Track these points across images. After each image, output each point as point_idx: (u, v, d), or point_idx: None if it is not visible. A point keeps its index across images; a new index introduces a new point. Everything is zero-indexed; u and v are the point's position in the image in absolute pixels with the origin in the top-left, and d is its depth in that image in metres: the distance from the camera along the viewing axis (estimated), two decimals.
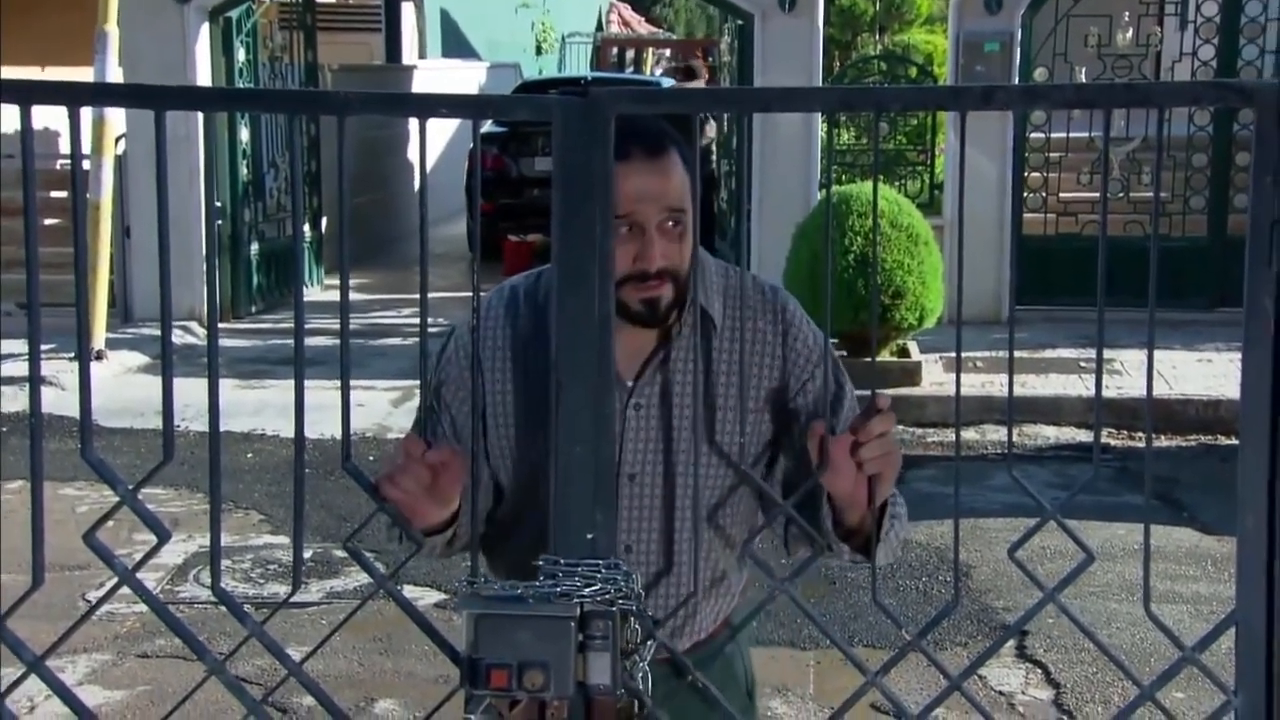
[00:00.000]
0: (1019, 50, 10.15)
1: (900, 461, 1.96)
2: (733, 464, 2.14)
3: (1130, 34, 10.29)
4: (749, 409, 2.16)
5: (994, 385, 8.34)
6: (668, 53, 27.01)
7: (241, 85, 10.77)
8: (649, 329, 2.13)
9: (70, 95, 1.60)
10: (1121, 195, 10.17)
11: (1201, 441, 7.81)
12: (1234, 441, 1.64)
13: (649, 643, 1.76)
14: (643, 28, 29.54)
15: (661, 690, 1.87)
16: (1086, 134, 10.32)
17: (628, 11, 29.55)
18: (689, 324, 2.13)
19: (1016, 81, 10.05)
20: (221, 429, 1.69)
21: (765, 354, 2.17)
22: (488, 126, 12.91)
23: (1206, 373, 8.62)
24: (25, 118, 1.57)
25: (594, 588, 1.63)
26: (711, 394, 2.16)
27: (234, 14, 10.78)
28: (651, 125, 2.08)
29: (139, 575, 1.68)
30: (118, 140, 9.79)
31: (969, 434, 7.75)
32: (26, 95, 1.56)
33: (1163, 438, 7.78)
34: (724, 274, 2.22)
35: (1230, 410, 7.66)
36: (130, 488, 1.64)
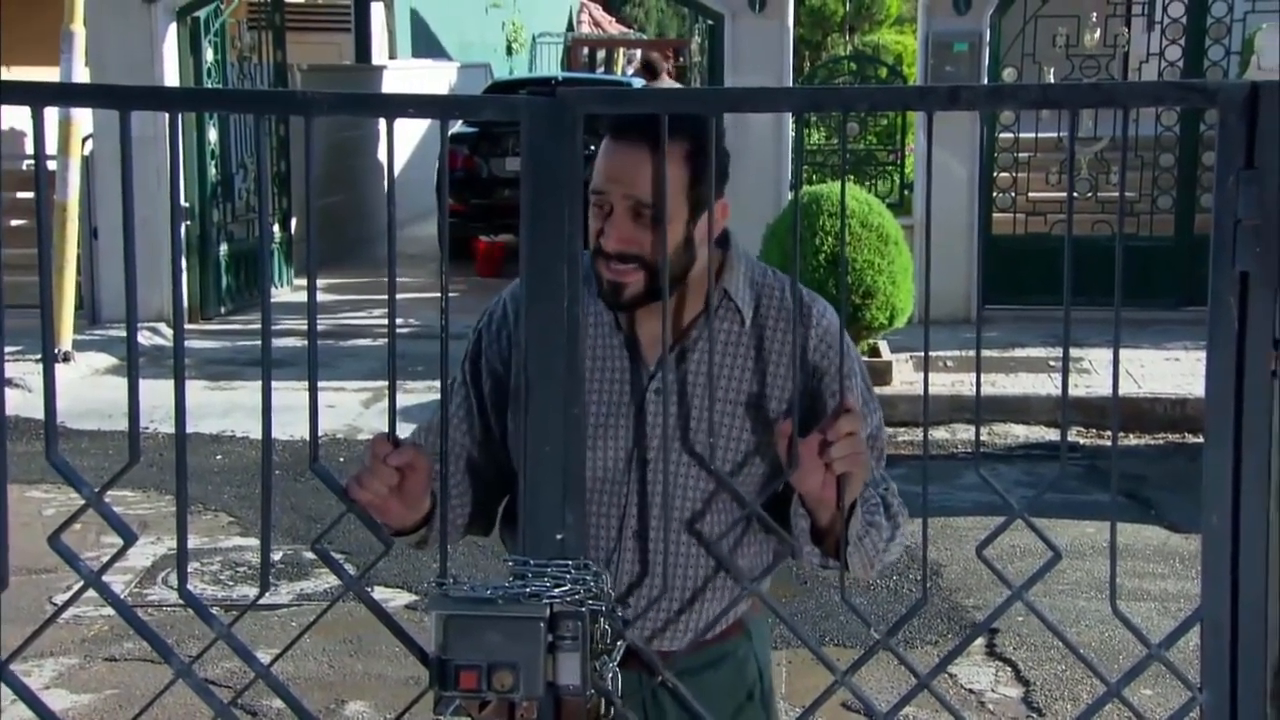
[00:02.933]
0: (988, 50, 10.19)
1: (869, 461, 1.96)
2: (706, 466, 2.13)
3: (1098, 34, 10.34)
4: (769, 409, 2.14)
5: (964, 384, 8.37)
6: (638, 53, 27.00)
7: (210, 85, 10.72)
8: (619, 311, 2.13)
9: (34, 95, 1.59)
10: (1090, 195, 10.22)
11: (1169, 440, 7.86)
12: (1201, 439, 1.65)
13: (619, 643, 1.76)
14: (613, 28, 29.53)
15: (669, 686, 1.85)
16: (1055, 134, 10.37)
17: (598, 12, 29.54)
18: (717, 315, 2.13)
19: (985, 81, 10.09)
20: (190, 431, 1.69)
21: (794, 354, 2.14)
22: (458, 127, 12.87)
23: (1174, 371, 8.67)
24: None
25: (563, 588, 1.63)
26: (729, 387, 2.14)
27: (202, 14, 10.72)
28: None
29: (106, 578, 1.67)
30: (85, 141, 9.73)
31: (939, 433, 7.77)
32: None
33: (1131, 436, 7.82)
34: (761, 274, 2.21)
35: (1198, 408, 7.70)
36: (96, 490, 1.64)
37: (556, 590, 1.62)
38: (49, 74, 10.17)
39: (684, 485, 2.14)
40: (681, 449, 2.13)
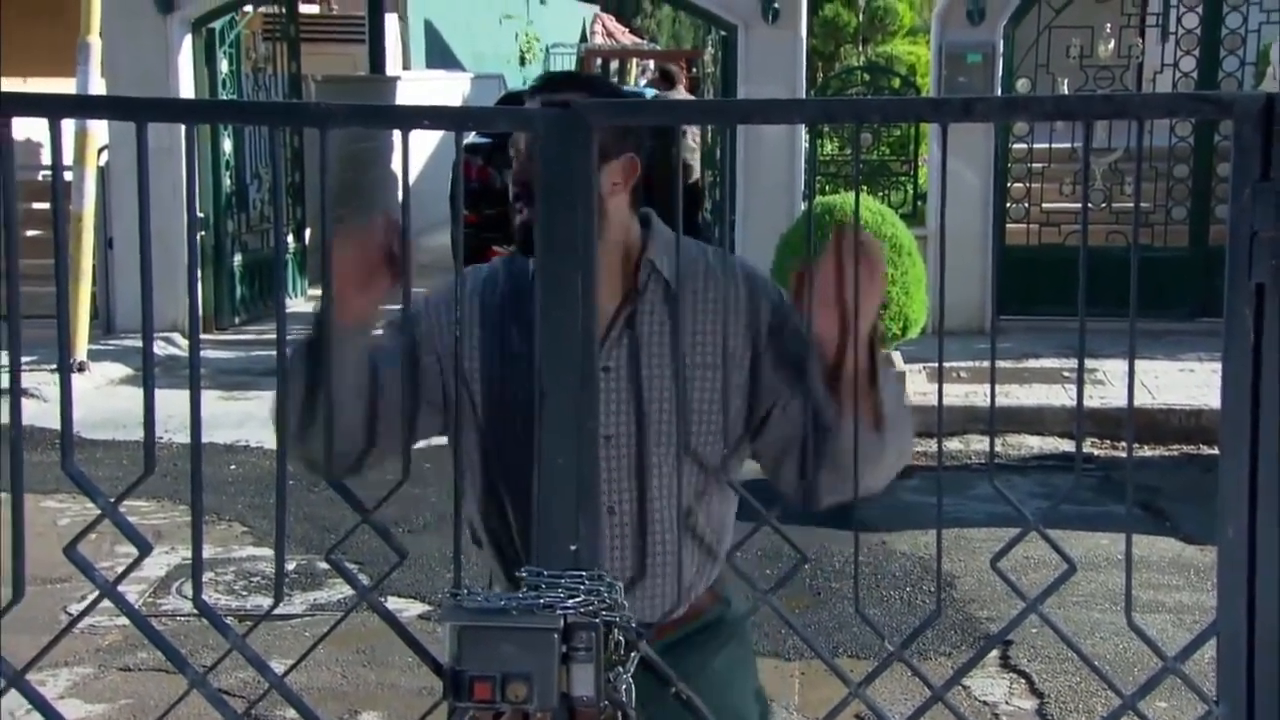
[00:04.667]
0: (1001, 61, 10.18)
1: (884, 267, 1.98)
2: (699, 464, 2.14)
3: (1112, 45, 10.33)
4: (711, 365, 2.19)
5: (977, 395, 8.35)
6: (651, 64, 27.03)
7: (224, 96, 10.76)
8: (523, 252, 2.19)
9: (50, 107, 1.59)
10: (1104, 205, 10.21)
11: (1184, 451, 7.83)
12: (1216, 451, 1.65)
13: (633, 654, 1.75)
14: (626, 39, 29.57)
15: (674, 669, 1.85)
16: (1069, 145, 10.35)
17: (611, 23, 29.57)
18: (648, 288, 2.21)
19: (999, 92, 10.08)
20: (204, 441, 1.69)
21: (732, 312, 2.20)
22: (471, 137, 12.90)
23: (1188, 382, 8.65)
24: (5, 130, 1.57)
25: (577, 599, 1.63)
26: (681, 356, 2.17)
27: (217, 25, 10.76)
28: (560, 74, 2.20)
29: (120, 588, 1.67)
30: (100, 151, 9.77)
31: (953, 444, 7.75)
32: (6, 108, 1.56)
33: (1145, 447, 7.79)
34: (672, 241, 2.23)
35: (1212, 420, 7.67)
36: (111, 500, 1.64)
37: (570, 601, 1.62)
38: (65, 85, 10.21)
39: (653, 461, 2.19)
40: (642, 428, 2.19)
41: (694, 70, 22.06)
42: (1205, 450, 7.71)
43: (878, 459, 2.08)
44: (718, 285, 2.21)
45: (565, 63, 26.27)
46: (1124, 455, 7.77)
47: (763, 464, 2.26)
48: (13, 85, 11.97)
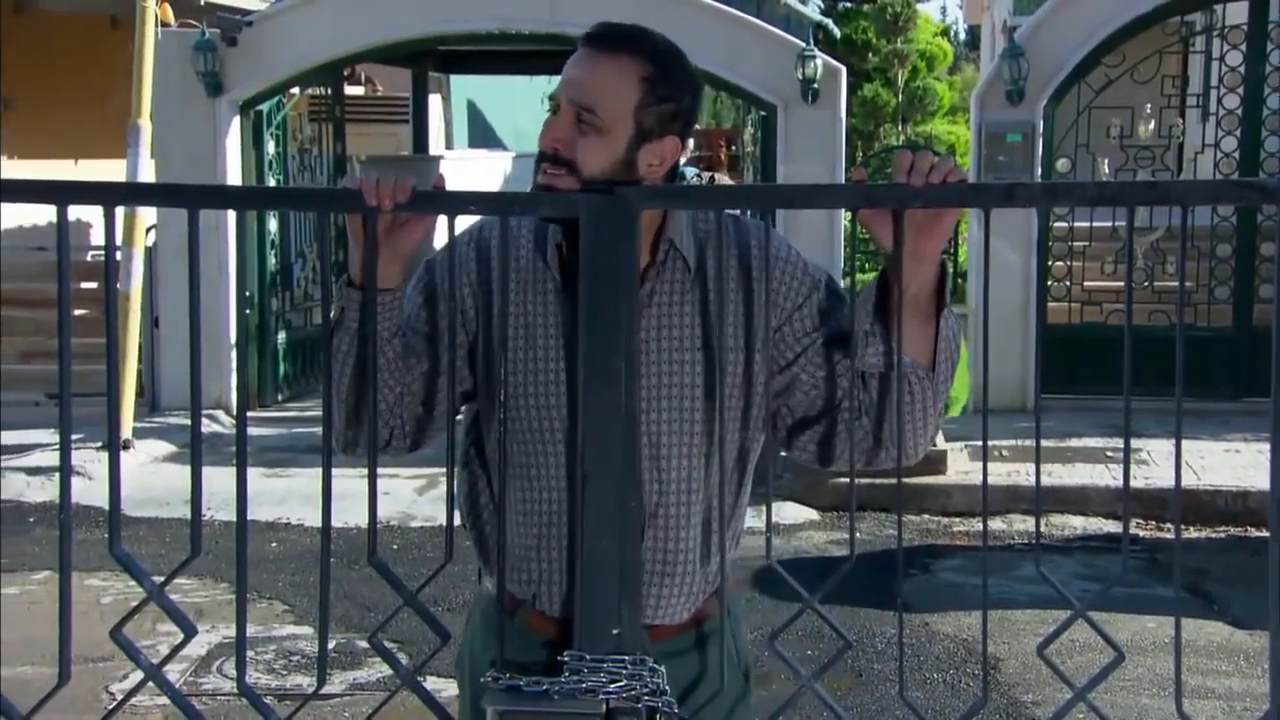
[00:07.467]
0: (1041, 140, 10.20)
1: (964, 175, 1.84)
2: (720, 451, 2.07)
3: (1152, 126, 10.34)
4: (733, 348, 2.08)
5: (1020, 474, 8.28)
6: (691, 142, 27.21)
7: (271, 177, 10.92)
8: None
9: (105, 195, 1.63)
10: (1146, 285, 10.17)
11: (1230, 533, 7.73)
12: (1264, 533, 1.63)
13: None
14: None
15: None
16: (1110, 223, 10.34)
17: None
18: (667, 265, 2.06)
19: (1039, 171, 10.11)
20: (247, 518, 1.70)
21: (757, 286, 2.10)
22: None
23: (1234, 463, 8.56)
24: (61, 217, 1.60)
25: (620, 684, 1.62)
26: (709, 336, 2.06)
27: (265, 107, 10.94)
28: (622, 27, 2.03)
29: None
30: (148, 231, 9.91)
31: (995, 524, 7.68)
32: (63, 196, 1.59)
33: (1191, 529, 7.70)
34: (703, 219, 2.12)
35: (1259, 501, 7.58)
36: (158, 583, 1.65)
37: (613, 686, 1.62)
38: (115, 166, 10.39)
39: (670, 447, 2.03)
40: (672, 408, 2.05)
41: (733, 149, 22.22)
42: (1253, 532, 7.62)
43: (925, 406, 2.05)
44: (739, 259, 2.10)
45: None
46: (1169, 536, 7.68)
47: (778, 436, 2.14)
48: (64, 167, 12.21)
